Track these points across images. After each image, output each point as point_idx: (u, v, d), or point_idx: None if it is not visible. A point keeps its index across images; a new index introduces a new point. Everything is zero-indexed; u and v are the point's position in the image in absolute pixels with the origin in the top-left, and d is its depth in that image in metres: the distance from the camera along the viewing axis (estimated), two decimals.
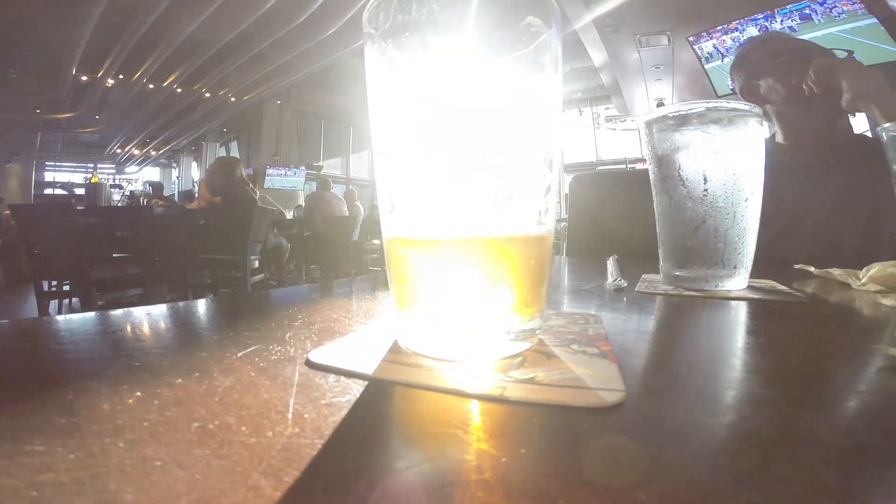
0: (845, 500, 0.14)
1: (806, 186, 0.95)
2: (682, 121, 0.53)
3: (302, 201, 8.11)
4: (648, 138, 0.57)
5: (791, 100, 1.01)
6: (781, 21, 4.32)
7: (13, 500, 0.13)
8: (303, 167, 9.42)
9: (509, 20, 0.25)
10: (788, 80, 1.00)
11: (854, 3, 3.90)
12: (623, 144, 9.16)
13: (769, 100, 1.04)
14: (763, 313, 0.43)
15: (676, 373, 0.26)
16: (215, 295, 2.99)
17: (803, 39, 1.11)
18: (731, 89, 1.16)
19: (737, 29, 4.46)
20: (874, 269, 0.52)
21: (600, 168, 8.86)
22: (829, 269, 0.61)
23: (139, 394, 0.20)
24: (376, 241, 5.22)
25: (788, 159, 0.98)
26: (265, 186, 8.27)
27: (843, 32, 4.07)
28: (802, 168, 0.97)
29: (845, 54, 0.99)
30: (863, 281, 0.53)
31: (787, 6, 4.20)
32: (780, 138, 1.08)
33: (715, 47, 4.67)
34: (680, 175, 0.53)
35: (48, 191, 11.71)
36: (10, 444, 0.16)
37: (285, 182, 9.21)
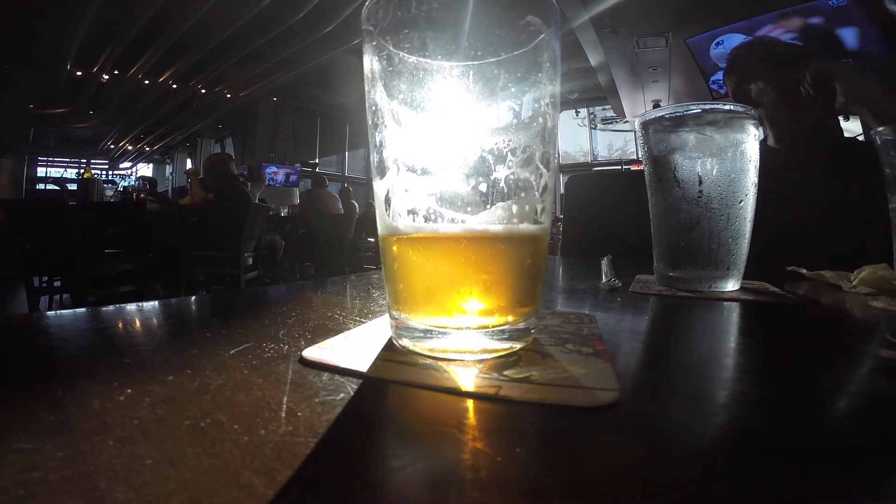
0: (836, 501, 0.14)
1: (798, 190, 0.96)
2: (679, 122, 0.53)
3: (297, 199, 8.09)
4: (644, 139, 0.57)
5: (781, 103, 1.02)
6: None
7: (0, 499, 0.12)
8: (298, 164, 9.38)
9: (509, 19, 0.25)
10: (778, 83, 1.01)
11: None
12: (619, 145, 9.21)
13: (760, 103, 1.05)
14: (755, 314, 0.43)
15: (670, 373, 0.26)
16: (208, 292, 2.97)
17: (792, 43, 1.12)
18: (723, 93, 1.17)
19: (736, 31, 4.46)
20: (865, 271, 0.53)
21: (596, 169, 8.89)
22: (821, 272, 0.61)
23: (130, 391, 0.20)
24: (371, 240, 5.22)
25: (780, 163, 0.99)
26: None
27: None
28: (794, 171, 0.98)
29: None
30: (854, 283, 0.53)
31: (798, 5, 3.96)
32: (771, 142, 1.09)
33: (713, 50, 4.67)
34: (675, 176, 0.54)
35: (40, 186, 11.60)
36: None
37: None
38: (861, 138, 1.15)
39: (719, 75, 4.54)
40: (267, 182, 8.18)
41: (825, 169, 0.98)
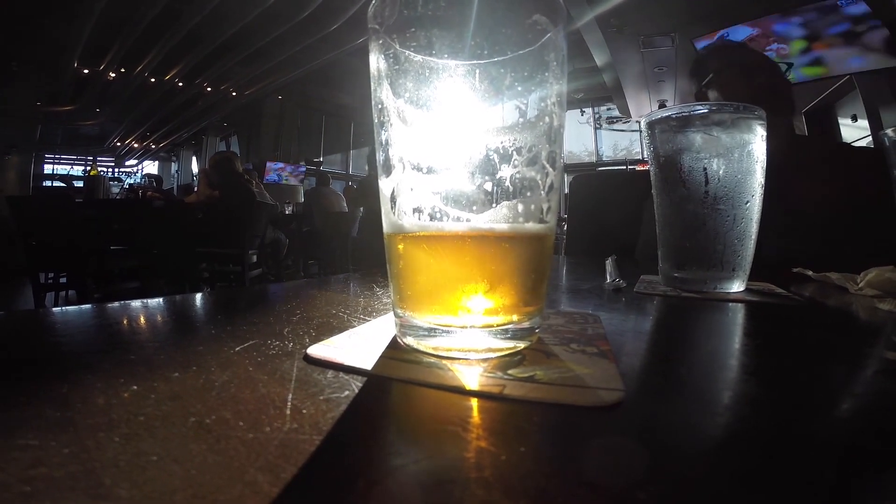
0: (842, 503, 0.14)
1: (801, 191, 0.95)
2: (685, 122, 0.53)
3: (301, 197, 8.10)
4: (650, 139, 0.57)
5: None
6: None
7: (5, 495, 0.12)
8: (302, 163, 9.40)
9: (515, 18, 0.25)
10: (729, 95, 1.01)
11: None
12: (624, 145, 9.18)
13: None
14: (760, 316, 0.43)
15: (674, 373, 0.26)
16: (213, 289, 2.99)
17: (759, 53, 1.08)
18: None
19: (741, 31, 4.42)
20: (872, 273, 0.52)
21: (601, 168, 8.86)
22: (827, 273, 0.61)
23: (135, 388, 0.20)
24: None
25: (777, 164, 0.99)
26: (264, 181, 8.23)
27: None
28: (794, 173, 0.97)
29: (786, 66, 1.00)
30: (860, 285, 0.53)
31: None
32: None
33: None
34: (681, 177, 0.53)
35: (47, 183, 11.67)
36: (3, 437, 0.15)
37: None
38: (864, 143, 1.14)
39: None
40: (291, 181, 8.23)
41: (829, 171, 0.97)
